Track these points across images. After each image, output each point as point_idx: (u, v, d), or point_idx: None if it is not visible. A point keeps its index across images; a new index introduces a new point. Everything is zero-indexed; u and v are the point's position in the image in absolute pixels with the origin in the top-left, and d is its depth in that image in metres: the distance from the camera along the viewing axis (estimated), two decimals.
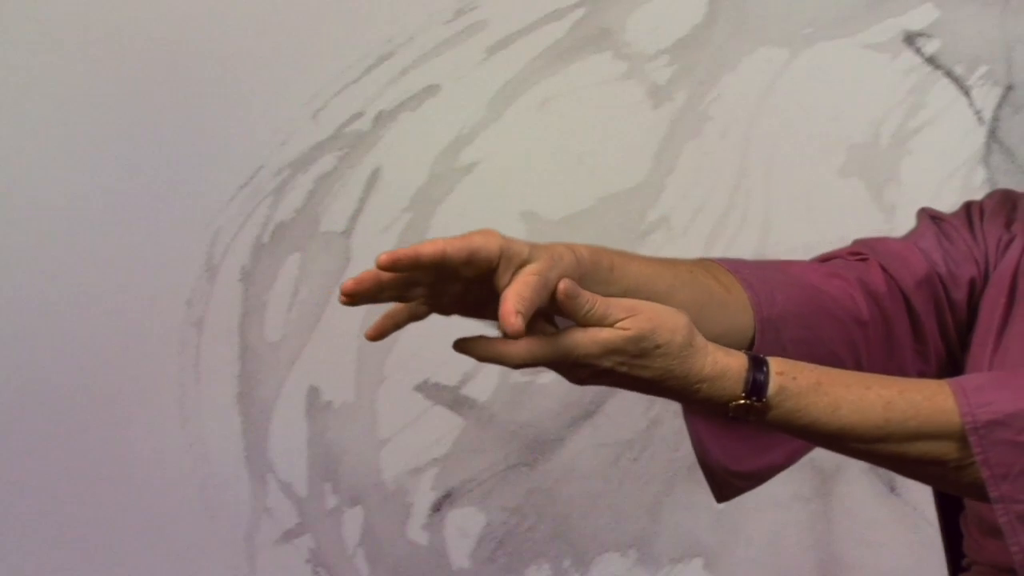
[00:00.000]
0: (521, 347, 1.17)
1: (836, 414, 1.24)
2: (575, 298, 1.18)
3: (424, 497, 2.43)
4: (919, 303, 1.48)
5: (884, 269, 1.48)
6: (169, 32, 2.38)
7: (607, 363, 1.19)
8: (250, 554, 2.43)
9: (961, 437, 1.25)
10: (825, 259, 1.51)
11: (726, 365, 1.23)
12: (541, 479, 2.42)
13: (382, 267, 1.15)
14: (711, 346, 1.23)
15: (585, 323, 1.19)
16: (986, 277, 1.52)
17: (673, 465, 2.41)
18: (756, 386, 1.23)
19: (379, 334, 1.21)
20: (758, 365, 1.23)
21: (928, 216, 1.56)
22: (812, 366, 1.27)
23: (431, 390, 2.41)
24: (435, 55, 2.40)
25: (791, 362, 1.26)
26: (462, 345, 1.18)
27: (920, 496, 2.35)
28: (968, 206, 1.57)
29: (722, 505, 2.39)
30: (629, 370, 1.20)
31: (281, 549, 2.43)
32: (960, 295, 1.51)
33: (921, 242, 1.52)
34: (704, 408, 1.25)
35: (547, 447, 2.42)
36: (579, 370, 1.20)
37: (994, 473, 1.25)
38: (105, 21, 2.38)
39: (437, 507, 2.43)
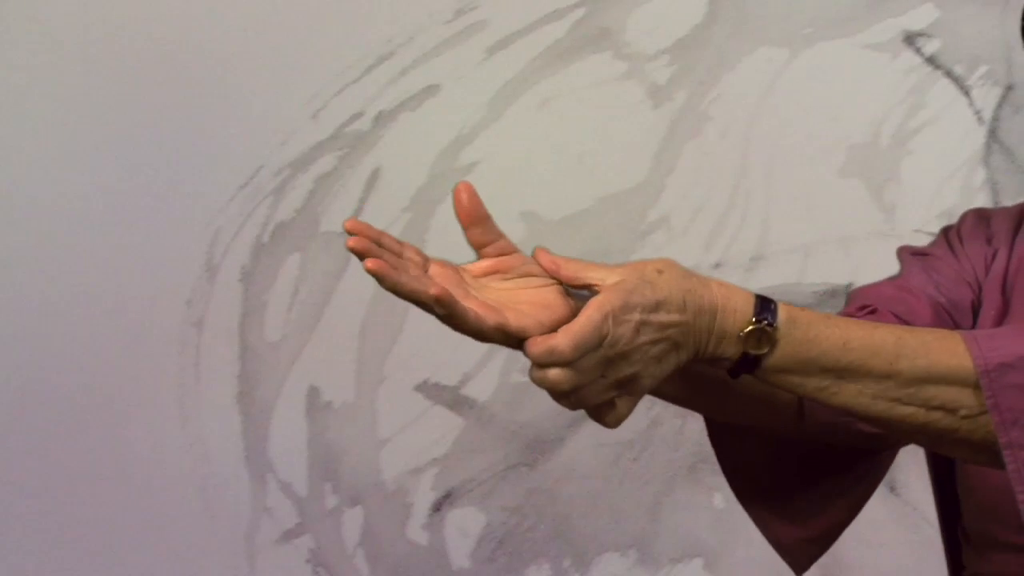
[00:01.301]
0: (560, 336, 1.14)
1: (846, 347, 1.23)
2: (547, 252, 1.20)
3: (424, 497, 2.43)
4: None
5: (896, 316, 1.48)
6: (169, 32, 2.38)
7: (636, 314, 1.16)
8: (250, 554, 2.43)
9: (972, 383, 1.24)
10: None
11: (729, 287, 1.21)
12: (541, 479, 2.42)
13: (346, 230, 1.16)
14: (704, 276, 1.23)
15: (568, 273, 1.20)
16: (979, 295, 1.52)
17: (673, 465, 2.41)
18: (763, 316, 1.21)
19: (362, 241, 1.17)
20: (764, 299, 1.22)
21: (909, 254, 1.57)
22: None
23: (431, 390, 2.41)
24: (435, 55, 2.40)
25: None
26: (524, 346, 1.17)
27: (920, 496, 2.35)
28: (946, 232, 1.58)
29: (722, 505, 2.39)
30: (654, 312, 1.17)
31: (281, 549, 2.43)
32: (967, 323, 1.51)
33: (913, 280, 1.52)
34: (719, 353, 1.23)
35: (547, 447, 2.42)
36: (621, 329, 1.15)
37: (1003, 419, 1.23)
38: (105, 21, 2.38)
39: (437, 507, 2.43)
